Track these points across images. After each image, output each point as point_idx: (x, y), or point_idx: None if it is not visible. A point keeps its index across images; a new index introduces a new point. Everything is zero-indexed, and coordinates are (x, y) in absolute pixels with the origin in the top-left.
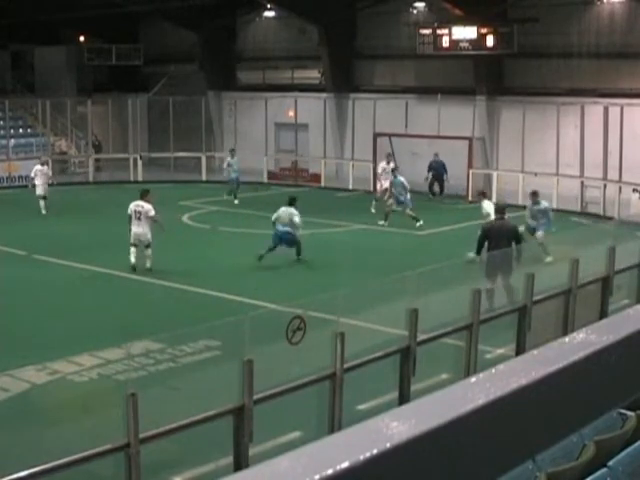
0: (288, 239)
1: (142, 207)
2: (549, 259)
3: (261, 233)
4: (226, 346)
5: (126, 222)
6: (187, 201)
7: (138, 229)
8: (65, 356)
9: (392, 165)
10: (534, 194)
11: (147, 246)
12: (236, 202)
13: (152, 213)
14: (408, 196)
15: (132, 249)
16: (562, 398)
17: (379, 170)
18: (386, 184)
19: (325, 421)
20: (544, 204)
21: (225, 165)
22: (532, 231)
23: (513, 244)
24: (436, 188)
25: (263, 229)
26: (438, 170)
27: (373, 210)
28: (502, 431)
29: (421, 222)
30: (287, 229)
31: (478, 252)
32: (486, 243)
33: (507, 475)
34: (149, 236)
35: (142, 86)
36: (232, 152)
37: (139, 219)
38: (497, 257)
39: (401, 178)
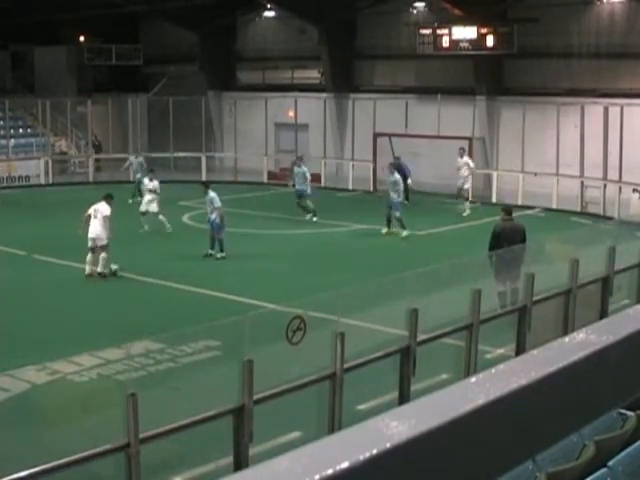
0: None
1: (101, 206)
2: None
3: (261, 233)
4: (226, 346)
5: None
6: (187, 201)
7: (94, 229)
8: (65, 356)
9: (465, 159)
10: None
11: (102, 248)
12: (130, 201)
13: (108, 213)
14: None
15: (88, 256)
16: (562, 398)
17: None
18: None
19: (325, 421)
20: (304, 168)
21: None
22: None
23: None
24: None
25: (264, 229)
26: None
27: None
28: (502, 431)
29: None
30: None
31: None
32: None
33: (507, 475)
34: (104, 240)
35: (142, 86)
36: (136, 154)
37: (95, 217)
38: (507, 259)
39: (304, 168)
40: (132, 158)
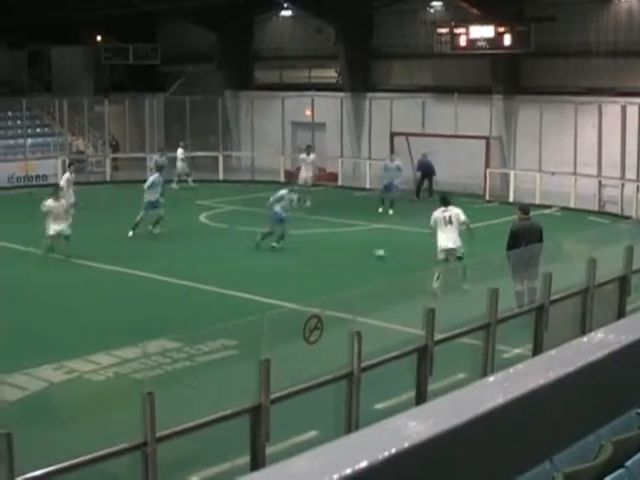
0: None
1: (452, 211)
2: None
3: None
4: (243, 345)
5: None
6: (204, 200)
7: (450, 235)
8: (82, 355)
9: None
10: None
11: (460, 258)
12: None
13: (463, 217)
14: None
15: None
16: (580, 398)
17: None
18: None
19: (342, 420)
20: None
21: (152, 164)
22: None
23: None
24: (426, 185)
25: None
26: (426, 170)
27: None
28: (520, 431)
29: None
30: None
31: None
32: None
33: (524, 475)
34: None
35: (159, 85)
36: (161, 151)
37: (450, 223)
38: (525, 258)
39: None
40: (156, 157)
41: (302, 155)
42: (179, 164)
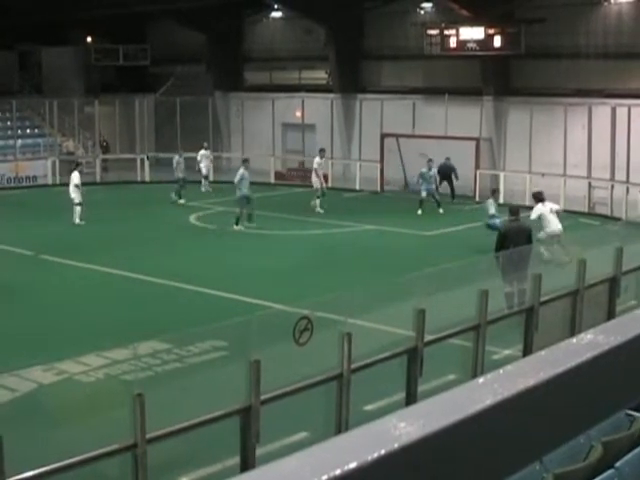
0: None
1: (550, 205)
2: None
3: (267, 234)
4: (233, 347)
5: None
6: (194, 201)
7: (559, 225)
8: (72, 356)
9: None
10: None
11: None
12: (182, 201)
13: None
14: None
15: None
16: (570, 399)
17: (315, 165)
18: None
19: (332, 422)
20: None
21: (175, 164)
22: None
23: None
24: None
25: (269, 229)
26: (446, 174)
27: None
28: (510, 432)
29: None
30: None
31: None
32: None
33: (514, 476)
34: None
35: (149, 86)
36: (179, 152)
37: (552, 212)
38: (515, 259)
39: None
40: (177, 157)
41: (317, 159)
42: (202, 165)
